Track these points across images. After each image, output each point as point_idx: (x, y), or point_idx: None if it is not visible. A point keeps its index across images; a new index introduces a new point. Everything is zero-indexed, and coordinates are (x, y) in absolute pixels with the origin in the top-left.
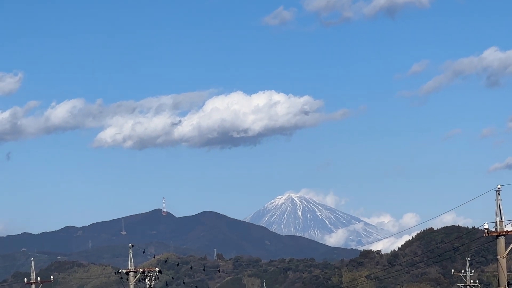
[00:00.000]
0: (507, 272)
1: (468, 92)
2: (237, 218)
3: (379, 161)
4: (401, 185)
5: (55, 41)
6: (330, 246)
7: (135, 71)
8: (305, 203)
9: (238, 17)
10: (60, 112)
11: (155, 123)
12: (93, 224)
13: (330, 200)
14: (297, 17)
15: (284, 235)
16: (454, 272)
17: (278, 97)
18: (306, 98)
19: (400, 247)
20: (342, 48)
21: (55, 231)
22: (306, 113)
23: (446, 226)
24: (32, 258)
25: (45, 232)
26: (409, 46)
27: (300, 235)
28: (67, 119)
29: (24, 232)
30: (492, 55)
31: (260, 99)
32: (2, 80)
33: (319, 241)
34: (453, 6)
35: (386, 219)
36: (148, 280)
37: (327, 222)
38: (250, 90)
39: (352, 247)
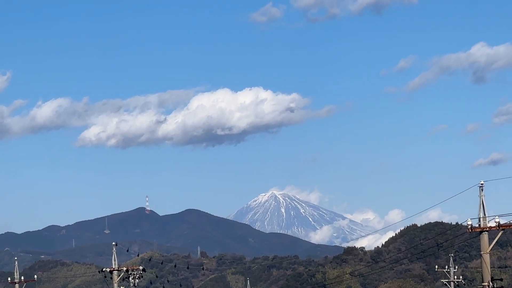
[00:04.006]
0: (490, 267)
1: (454, 88)
2: (221, 216)
3: (365, 157)
4: (387, 182)
5: (43, 40)
6: (314, 243)
7: (122, 70)
8: (289, 200)
9: (226, 14)
10: (45, 111)
11: (140, 121)
12: (76, 223)
13: (314, 197)
14: (285, 14)
15: (267, 232)
16: (438, 268)
17: (265, 94)
18: (294, 95)
19: (384, 243)
20: (328, 45)
21: (39, 230)
22: (292, 110)
23: (430, 223)
24: (15, 258)
25: (29, 231)
26: (396, 41)
27: (283, 232)
28: (52, 118)
29: (8, 232)
30: (480, 51)
31: (247, 96)
32: None
33: (303, 239)
34: (441, 1)
35: (371, 215)
36: (132, 279)
37: (310, 219)
38: (237, 87)
39: (336, 244)
